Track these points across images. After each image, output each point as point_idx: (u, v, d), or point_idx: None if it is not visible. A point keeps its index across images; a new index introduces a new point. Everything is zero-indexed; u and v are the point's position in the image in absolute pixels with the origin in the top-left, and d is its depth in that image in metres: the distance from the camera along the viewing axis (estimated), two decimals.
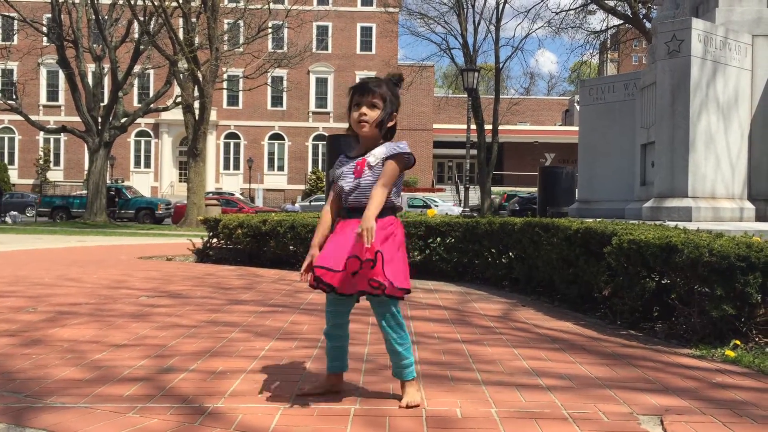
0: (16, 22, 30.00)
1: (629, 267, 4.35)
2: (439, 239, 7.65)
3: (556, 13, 25.03)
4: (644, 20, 21.41)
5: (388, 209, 2.62)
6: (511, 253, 6.82)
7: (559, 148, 53.44)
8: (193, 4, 25.99)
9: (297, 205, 39.37)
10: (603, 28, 25.09)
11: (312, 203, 37.30)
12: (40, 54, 35.19)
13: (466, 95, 30.59)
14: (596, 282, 4.84)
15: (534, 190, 37.43)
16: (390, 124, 2.68)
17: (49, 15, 28.98)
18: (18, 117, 31.59)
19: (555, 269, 5.63)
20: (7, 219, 29.21)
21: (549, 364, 3.43)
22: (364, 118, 2.60)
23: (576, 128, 40.54)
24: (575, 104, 57.43)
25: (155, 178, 52.01)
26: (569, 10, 24.15)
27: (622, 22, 23.85)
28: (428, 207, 31.23)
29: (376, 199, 2.56)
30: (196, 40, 25.91)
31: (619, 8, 22.57)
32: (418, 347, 3.80)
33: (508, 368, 3.32)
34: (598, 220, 5.91)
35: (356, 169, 2.62)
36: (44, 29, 29.37)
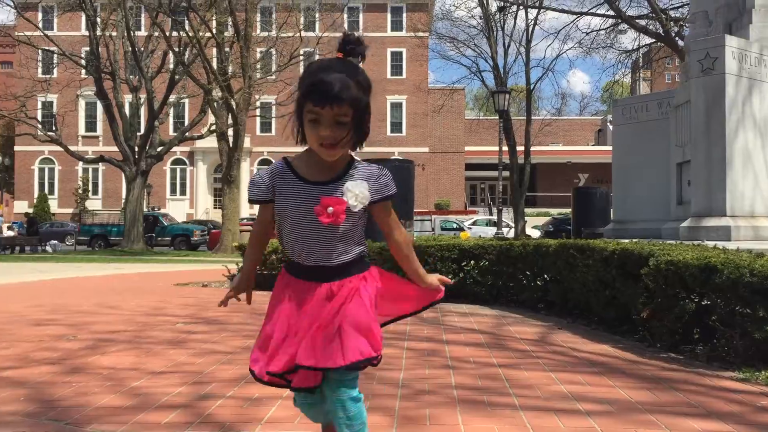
0: (56, 56, 30.85)
1: (667, 288, 4.28)
2: (473, 262, 7.61)
3: (587, 34, 25.02)
4: (676, 38, 21.24)
5: (364, 258, 2.04)
6: (546, 276, 6.75)
7: (592, 168, 52.96)
8: (226, 34, 26.48)
9: None
10: (635, 47, 24.90)
11: None
12: (79, 86, 36.09)
13: (497, 117, 30.58)
14: (634, 304, 4.76)
15: (567, 210, 37.10)
16: (364, 128, 1.96)
17: (88, 48, 29.77)
18: (58, 148, 32.37)
19: (591, 291, 5.55)
20: (48, 248, 29.83)
21: (588, 388, 3.38)
22: (330, 141, 1.87)
23: (609, 148, 40.07)
24: (608, 124, 56.97)
25: (191, 205, 52.71)
26: (600, 30, 24.06)
27: (653, 40, 23.67)
28: (461, 229, 31.14)
29: (416, 259, 2.10)
30: (230, 69, 26.36)
31: (651, 27, 22.43)
32: (454, 372, 3.78)
33: (545, 393, 3.27)
34: (634, 240, 5.83)
35: (326, 210, 1.90)
36: (83, 62, 30.16)
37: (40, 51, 31.14)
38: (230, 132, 25.98)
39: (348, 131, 1.89)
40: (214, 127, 27.78)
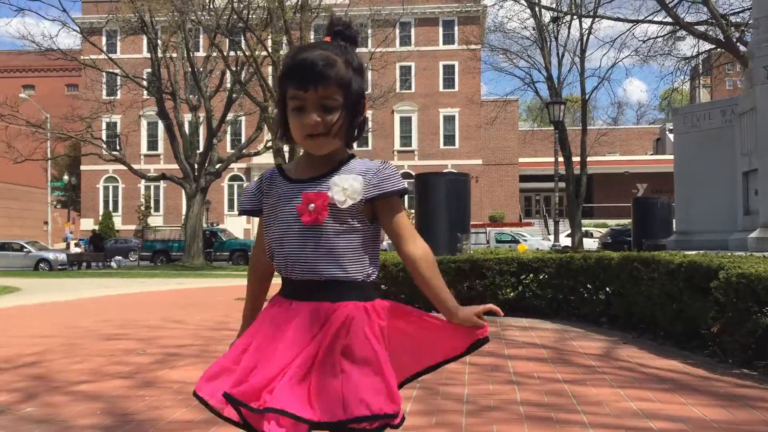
0: (119, 78, 31.90)
1: (739, 302, 4.16)
2: (531, 275, 7.53)
3: (644, 41, 24.43)
4: (738, 44, 20.66)
5: (371, 284, 1.63)
6: (608, 289, 6.63)
7: (651, 178, 51.73)
8: (282, 52, 26.97)
9: (384, 243, 39.60)
10: (694, 54, 24.31)
11: None
12: (141, 107, 37.20)
13: (551, 128, 30.21)
14: (703, 318, 4.64)
15: (625, 221, 36.30)
16: (356, 122, 1.65)
17: (149, 70, 30.71)
18: (122, 167, 33.38)
19: (657, 305, 5.43)
20: (113, 264, 30.73)
21: (658, 405, 3.31)
22: (319, 129, 1.57)
23: (669, 157, 39.02)
24: (667, 132, 55.57)
25: (248, 221, 53.60)
26: (657, 37, 23.57)
27: (713, 46, 23.08)
28: (516, 242, 30.80)
29: (442, 284, 1.64)
30: None
31: (710, 33, 21.88)
32: (519, 387, 3.75)
33: (615, 410, 3.22)
34: (701, 252, 5.69)
35: (307, 208, 1.57)
36: (145, 83, 31.12)
37: (104, 74, 32.24)
38: (286, 148, 26.37)
39: (338, 118, 1.58)
40: (270, 144, 28.26)
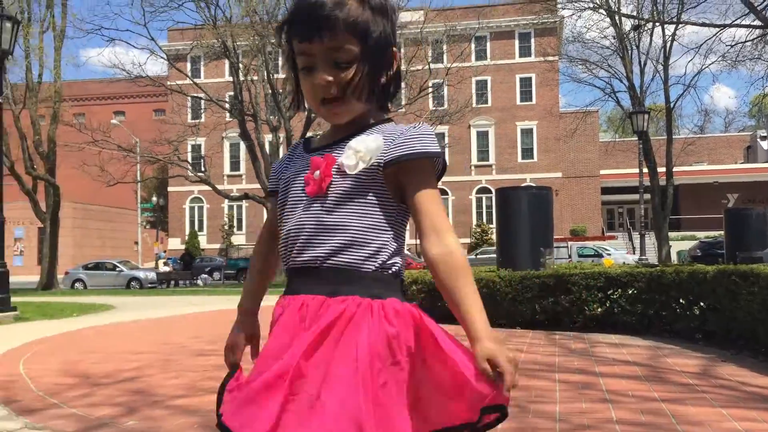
0: (203, 102, 33.06)
1: None
2: (620, 290, 7.33)
3: (731, 46, 23.51)
4: None
5: (390, 279, 1.28)
6: (702, 304, 6.38)
7: (742, 188, 49.55)
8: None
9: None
10: None
11: (478, 256, 37.14)
12: (224, 129, 38.42)
13: (634, 138, 29.37)
14: None
15: (716, 233, 34.82)
16: (384, 78, 1.33)
17: (232, 93, 31.70)
18: (206, 187, 34.48)
19: (757, 320, 5.18)
20: (199, 282, 31.71)
21: (765, 426, 3.15)
22: (332, 92, 1.27)
23: (761, 165, 37.36)
24: (758, 140, 53.23)
25: None
26: (746, 41, 22.62)
27: None
28: (600, 256, 30.02)
29: (471, 296, 1.20)
30: None
31: None
32: (613, 406, 3.64)
33: (717, 430, 3.08)
34: None
35: (313, 176, 1.27)
36: (227, 106, 32.14)
37: (189, 98, 33.49)
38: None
39: (355, 74, 1.25)
40: None
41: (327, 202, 1.25)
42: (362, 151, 1.25)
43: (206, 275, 33.20)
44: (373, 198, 1.26)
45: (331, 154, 1.29)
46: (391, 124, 1.34)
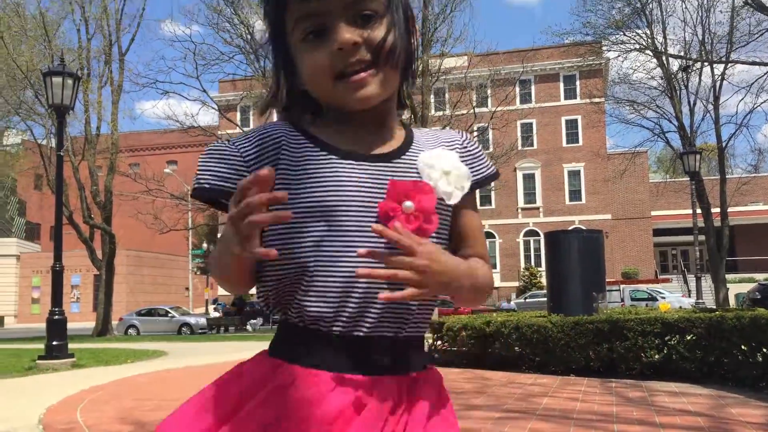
0: None
1: None
2: (678, 336, 7.12)
3: None
4: None
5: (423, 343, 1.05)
6: (765, 350, 6.16)
7: None
8: (404, 117, 27.67)
9: (512, 303, 38.84)
10: None
11: (527, 300, 36.63)
12: None
13: (685, 179, 28.82)
14: None
15: None
16: (413, 43, 1.04)
17: None
18: None
19: None
20: (248, 327, 31.95)
21: None
22: (360, 54, 0.95)
23: None
24: None
25: None
26: None
27: None
28: (654, 299, 29.27)
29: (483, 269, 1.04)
30: None
31: None
32: None
33: None
34: None
35: (401, 208, 0.94)
36: None
37: None
38: None
39: (389, 31, 0.95)
40: None
41: (430, 250, 0.92)
42: (453, 173, 0.98)
43: (256, 321, 33.44)
44: (444, 235, 1.02)
45: (406, 173, 0.97)
46: (418, 128, 1.10)
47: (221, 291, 51.47)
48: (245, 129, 33.64)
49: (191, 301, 46.42)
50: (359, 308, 0.94)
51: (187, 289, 48.91)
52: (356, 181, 0.95)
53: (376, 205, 0.94)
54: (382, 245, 0.92)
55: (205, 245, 49.63)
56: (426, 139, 1.06)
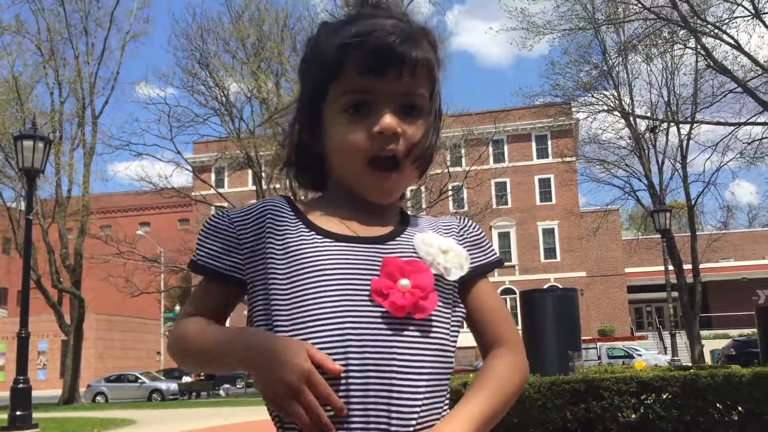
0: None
1: None
2: (653, 395, 7.06)
3: (748, 143, 23.73)
4: None
5: None
6: (740, 408, 6.12)
7: None
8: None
9: None
10: None
11: None
12: None
13: (656, 236, 29.22)
14: None
15: (749, 331, 33.90)
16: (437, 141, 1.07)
17: (254, 201, 32.32)
18: None
19: None
20: (221, 392, 31.22)
21: None
22: (396, 147, 0.98)
23: None
24: None
25: None
26: (762, 139, 22.86)
27: None
28: (630, 357, 29.24)
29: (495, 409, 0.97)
30: None
31: None
32: None
33: None
34: None
35: (396, 286, 0.93)
36: None
37: (213, 207, 34.17)
38: None
39: (426, 134, 1.00)
40: None
41: (432, 328, 0.93)
42: (451, 252, 0.97)
43: (228, 385, 32.71)
44: (447, 319, 0.99)
45: (400, 250, 0.97)
46: (416, 216, 1.10)
47: None
48: (219, 190, 33.65)
49: (162, 366, 45.38)
50: (354, 402, 0.90)
51: (159, 353, 47.86)
52: (343, 258, 0.95)
53: (359, 282, 0.93)
54: (381, 325, 0.90)
55: (177, 307, 48.85)
56: (422, 223, 1.07)
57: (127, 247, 26.00)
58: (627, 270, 51.84)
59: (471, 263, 1.02)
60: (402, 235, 1.01)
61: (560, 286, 44.82)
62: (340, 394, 0.88)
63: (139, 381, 29.66)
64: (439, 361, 0.94)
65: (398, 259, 0.94)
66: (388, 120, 0.95)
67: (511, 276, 51.71)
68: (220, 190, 34.77)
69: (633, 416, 7.10)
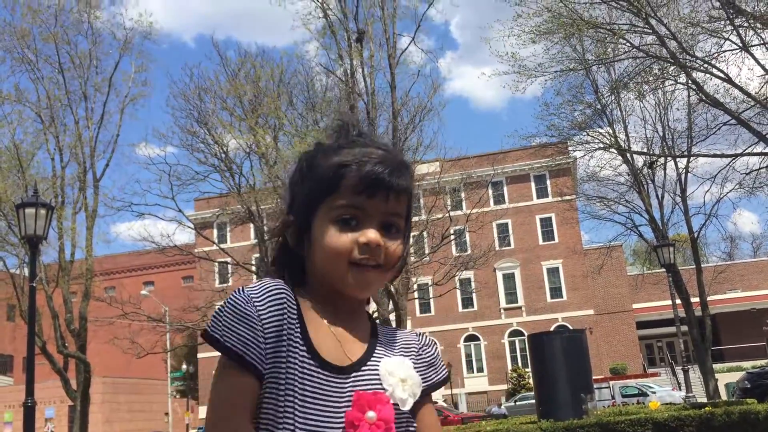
0: (230, 266, 33.71)
1: None
2: None
3: (747, 174, 23.80)
4: None
5: None
6: None
7: None
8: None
9: (503, 407, 38.00)
10: None
11: (517, 403, 35.86)
12: None
13: (661, 270, 29.06)
14: None
15: (762, 362, 33.48)
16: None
17: (258, 255, 32.34)
18: None
19: None
20: None
21: None
22: (377, 256, 1.14)
23: None
24: None
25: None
26: (760, 169, 22.94)
27: None
28: (644, 395, 28.83)
29: None
30: None
31: None
32: None
33: None
34: None
35: (365, 418, 1.09)
36: (254, 269, 32.66)
37: (216, 264, 34.19)
38: (392, 317, 26.48)
39: (403, 250, 1.18)
40: (376, 314, 28.48)
41: None
42: (408, 381, 1.15)
43: None
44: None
45: (370, 382, 1.13)
46: (380, 326, 1.26)
47: (201, 414, 49.80)
48: (222, 246, 33.69)
49: (171, 427, 44.77)
50: None
51: (167, 414, 47.21)
52: (322, 391, 1.10)
53: (343, 415, 1.09)
54: None
55: (184, 366, 48.43)
56: (387, 339, 1.22)
57: (131, 307, 25.90)
58: (635, 306, 51.48)
59: (423, 383, 1.19)
60: (371, 360, 1.16)
61: (569, 326, 44.56)
62: None
63: None
64: None
65: (367, 394, 1.10)
66: (373, 234, 1.13)
67: (518, 317, 51.37)
68: (223, 246, 34.81)
69: None
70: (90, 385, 24.98)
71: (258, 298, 1.10)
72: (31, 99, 24.97)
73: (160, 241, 27.37)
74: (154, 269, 62.95)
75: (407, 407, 1.14)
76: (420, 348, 1.24)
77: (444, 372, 1.24)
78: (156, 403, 52.34)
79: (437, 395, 49.06)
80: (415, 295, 38.48)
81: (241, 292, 1.12)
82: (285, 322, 1.11)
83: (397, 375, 1.14)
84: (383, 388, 1.13)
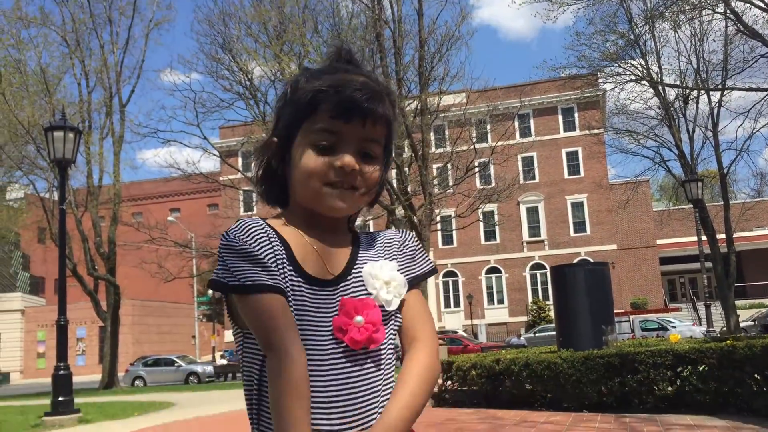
0: (254, 195, 33.93)
1: None
2: (690, 368, 7.01)
3: None
4: None
5: None
6: None
7: None
8: (404, 155, 27.80)
9: (522, 338, 38.51)
10: None
11: (536, 334, 36.30)
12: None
13: (688, 206, 28.76)
14: None
15: None
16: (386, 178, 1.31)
17: None
18: None
19: None
20: None
21: None
22: (353, 180, 1.18)
23: None
24: None
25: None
26: None
27: None
28: (664, 329, 29.00)
29: (414, 404, 1.15)
30: (410, 188, 27.43)
31: None
32: None
33: None
34: None
35: (353, 322, 1.14)
36: None
37: (241, 192, 34.41)
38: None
39: (380, 176, 1.22)
40: None
41: (381, 356, 1.16)
42: (392, 282, 1.18)
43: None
44: (392, 339, 1.22)
45: (355, 289, 1.17)
46: (362, 232, 1.29)
47: (227, 338, 51.19)
48: (247, 174, 33.84)
49: (197, 350, 46.10)
50: (327, 416, 1.11)
51: (194, 337, 48.58)
52: (314, 303, 1.15)
53: (325, 323, 1.13)
54: (341, 358, 1.12)
55: (210, 292, 49.48)
56: (369, 243, 1.26)
57: (158, 233, 26.34)
58: (659, 242, 51.24)
59: (408, 276, 1.22)
60: (355, 267, 1.20)
61: (591, 260, 44.52)
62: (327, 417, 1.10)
63: (176, 365, 30.18)
64: (384, 372, 1.17)
65: (353, 299, 1.15)
66: (349, 158, 1.16)
67: (540, 251, 51.44)
68: (248, 174, 34.98)
69: (669, 389, 7.07)
70: (120, 307, 25.69)
71: (244, 235, 1.15)
72: (56, 22, 24.84)
73: (186, 168, 27.57)
74: (180, 196, 63.65)
75: (393, 307, 1.18)
76: (402, 244, 1.27)
77: (429, 264, 1.27)
78: (183, 326, 53.85)
79: (457, 325, 49.88)
80: (438, 226, 38.60)
81: (228, 236, 1.16)
82: (273, 248, 1.15)
83: (381, 278, 1.18)
84: (369, 293, 1.17)
